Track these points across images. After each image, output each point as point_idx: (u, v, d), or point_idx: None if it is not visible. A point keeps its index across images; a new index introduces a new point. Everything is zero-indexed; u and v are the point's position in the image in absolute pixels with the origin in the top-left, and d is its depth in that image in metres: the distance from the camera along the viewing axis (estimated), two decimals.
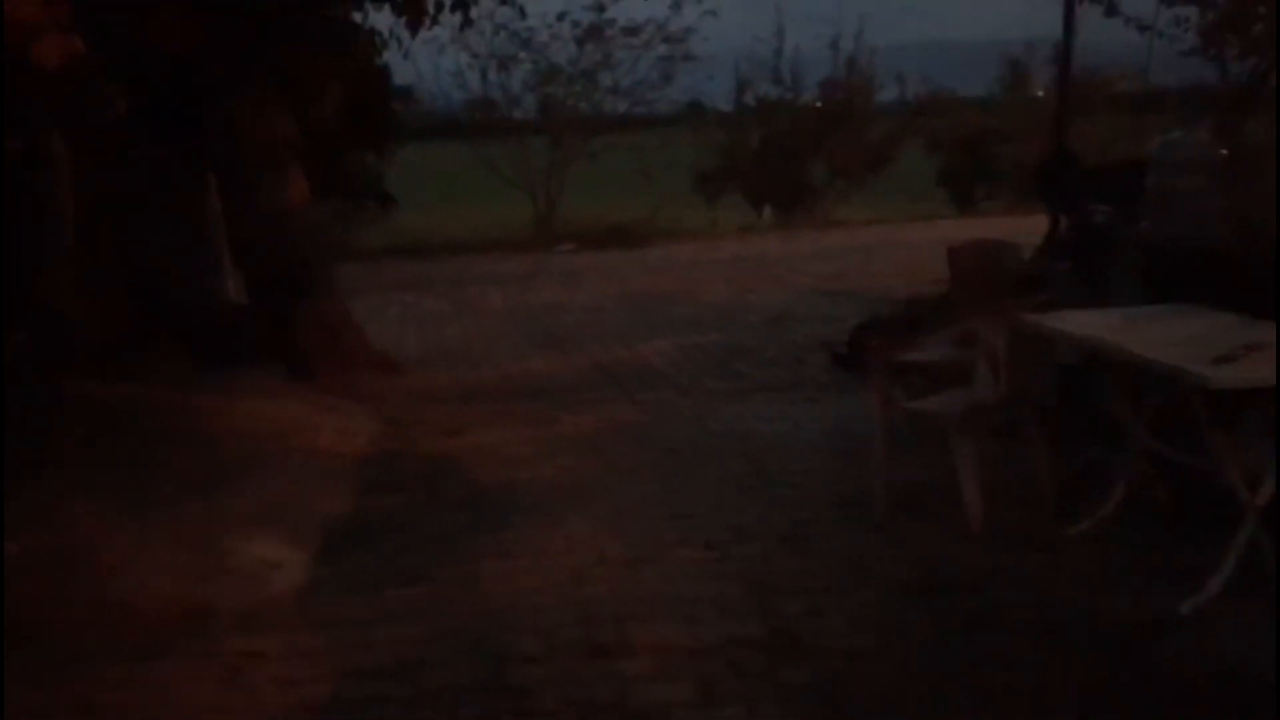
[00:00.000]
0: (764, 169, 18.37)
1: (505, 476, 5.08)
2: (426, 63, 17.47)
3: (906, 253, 12.81)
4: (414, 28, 7.87)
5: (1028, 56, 19.37)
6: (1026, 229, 13.71)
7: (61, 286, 6.55)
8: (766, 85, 18.54)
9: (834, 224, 16.47)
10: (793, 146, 18.24)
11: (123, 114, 6.87)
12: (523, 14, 15.27)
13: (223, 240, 7.66)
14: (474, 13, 8.05)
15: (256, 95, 7.20)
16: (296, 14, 7.64)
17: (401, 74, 18.01)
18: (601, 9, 17.32)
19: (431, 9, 7.80)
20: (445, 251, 14.88)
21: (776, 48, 18.18)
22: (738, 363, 7.47)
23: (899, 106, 19.98)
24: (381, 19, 8.26)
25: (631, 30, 17.73)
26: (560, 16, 17.25)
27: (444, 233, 18.11)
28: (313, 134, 7.98)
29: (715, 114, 18.93)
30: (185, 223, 7.66)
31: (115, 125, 6.85)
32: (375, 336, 8.69)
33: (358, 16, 8.00)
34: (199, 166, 7.56)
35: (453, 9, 7.88)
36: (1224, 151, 5.12)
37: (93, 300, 6.76)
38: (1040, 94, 19.84)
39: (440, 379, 7.45)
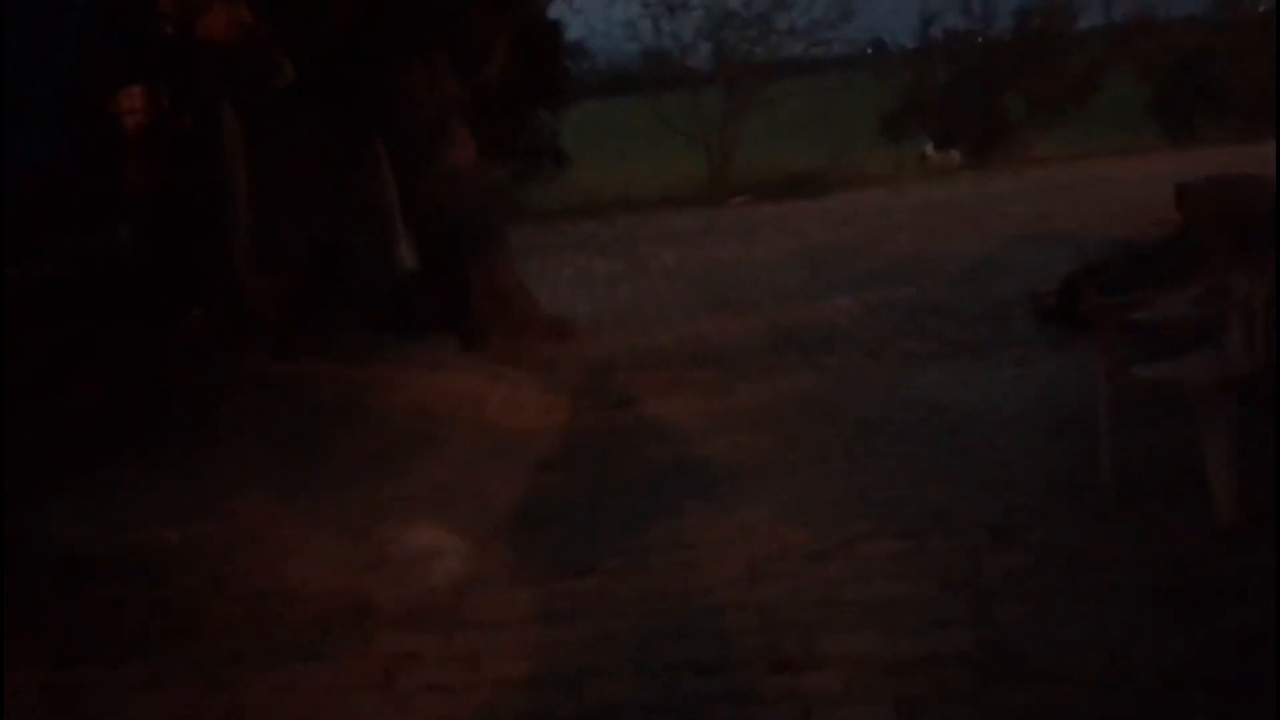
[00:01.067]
0: (954, 107, 17.25)
1: (678, 453, 4.73)
2: (597, 15, 17.26)
3: (1118, 190, 11.67)
4: None
5: None
6: (1258, 159, 12.33)
7: (239, 262, 6.61)
8: (955, 17, 17.40)
9: (1033, 162, 15.25)
10: (985, 82, 17.03)
11: (292, 83, 6.85)
12: None
13: (395, 207, 7.59)
14: None
15: (424, 57, 7.03)
16: None
17: (573, 28, 17.95)
18: None
19: None
20: (618, 209, 14.62)
21: None
22: (933, 320, 6.86)
23: (1102, 32, 18.36)
24: None
25: None
26: None
27: (618, 190, 17.90)
28: (483, 93, 7.80)
29: (900, 51, 17.88)
30: (357, 191, 7.62)
31: (285, 95, 6.85)
32: (547, 300, 8.51)
33: None
34: (368, 133, 7.49)
35: None
36: None
37: (269, 274, 6.82)
38: (1261, 8, 17.84)
39: (611, 344, 7.16)
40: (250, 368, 5.60)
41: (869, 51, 19.23)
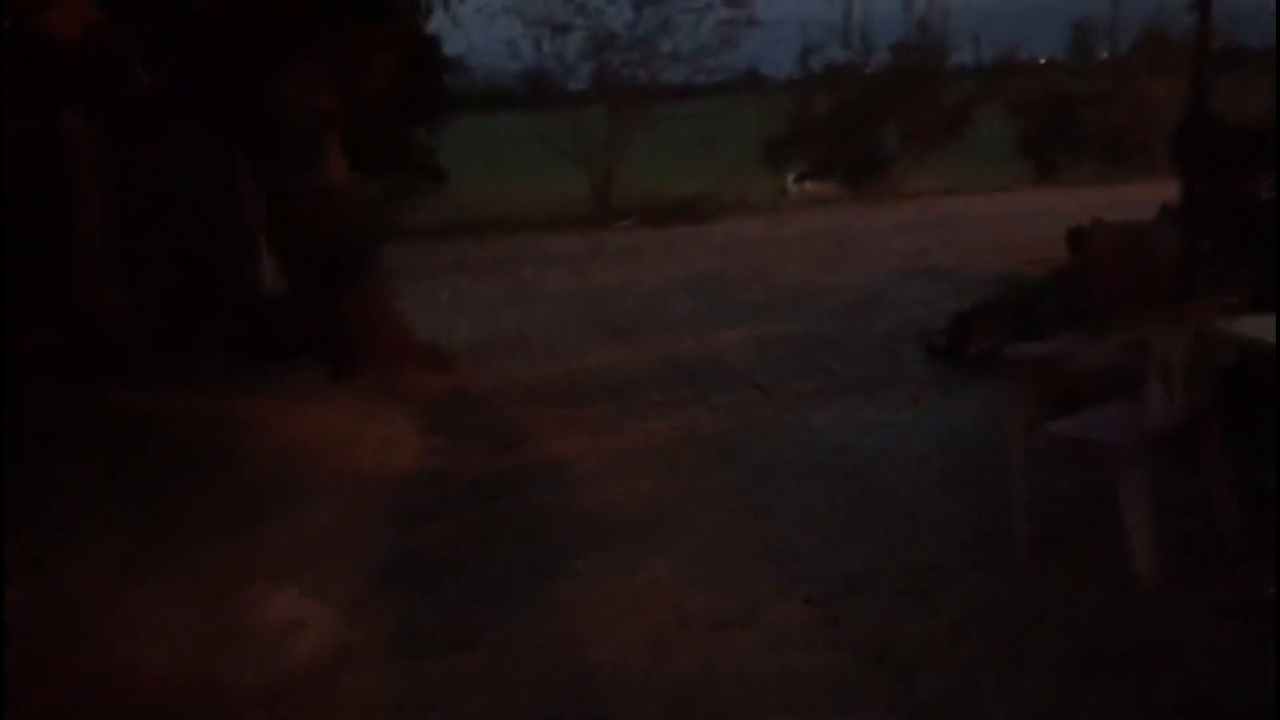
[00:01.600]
0: (833, 138, 17.46)
1: (569, 502, 4.42)
2: (478, 32, 16.87)
3: (992, 226, 11.91)
4: None
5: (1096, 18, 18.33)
6: (1122, 201, 12.74)
7: (89, 279, 6.02)
8: (835, 49, 17.64)
9: (909, 195, 15.53)
10: (864, 113, 17.30)
11: (150, 89, 6.30)
12: None
13: (259, 224, 7.08)
14: None
15: (297, 65, 6.57)
16: None
17: (452, 44, 17.49)
18: None
19: None
20: (499, 230, 14.23)
21: (845, 8, 17.25)
22: (823, 356, 6.72)
23: (973, 70, 18.93)
24: None
25: None
26: None
27: (498, 209, 17.50)
28: (360, 107, 7.36)
29: (780, 81, 18.03)
30: (222, 207, 7.10)
31: (143, 101, 6.29)
32: (425, 325, 8.08)
33: None
34: (233, 144, 6.97)
35: None
36: None
37: (125, 292, 6.24)
38: (1105, 55, 18.71)
39: (494, 375, 6.80)
40: (96, 400, 5.05)
41: (757, 80, 19.31)
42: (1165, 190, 13.69)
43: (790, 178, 17.28)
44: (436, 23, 17.50)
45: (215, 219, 6.94)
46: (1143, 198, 13.87)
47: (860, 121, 17.42)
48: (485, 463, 4.95)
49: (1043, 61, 18.75)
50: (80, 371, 5.18)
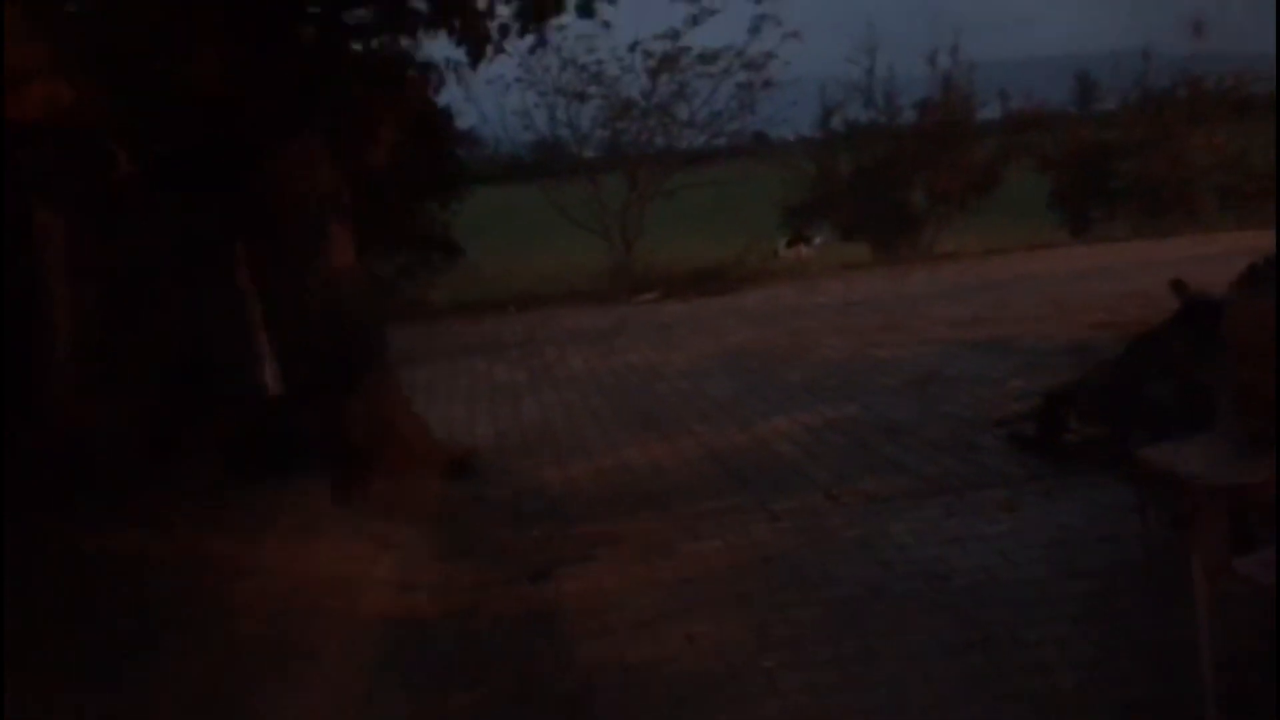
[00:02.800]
0: (859, 199, 16.89)
1: (618, 655, 3.65)
2: (490, 103, 16.41)
3: (1042, 288, 11.20)
4: (475, 57, 6.55)
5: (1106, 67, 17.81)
6: (1173, 256, 12.04)
7: (58, 390, 5.34)
8: (857, 108, 17.14)
9: (943, 257, 14.86)
10: (890, 173, 16.74)
11: (132, 173, 5.69)
12: (594, 40, 14.22)
13: (259, 320, 6.42)
14: (546, 35, 6.63)
15: (298, 142, 5.97)
16: (343, 44, 6.43)
17: (464, 116, 17.06)
18: (676, 36, 16.09)
19: (495, 35, 6.50)
20: (520, 305, 13.60)
21: (868, 67, 16.75)
22: (889, 448, 5.98)
23: (999, 124, 18.38)
24: (439, 48, 6.99)
25: (708, 58, 16.47)
26: (632, 47, 16.06)
27: (516, 284, 16.94)
28: (366, 184, 6.75)
29: (800, 142, 17.49)
30: (217, 301, 6.45)
31: (125, 186, 5.68)
32: (442, 418, 7.41)
33: (408, 44, 6.72)
34: (229, 232, 6.34)
35: (522, 31, 6.56)
36: None
37: (106, 402, 5.56)
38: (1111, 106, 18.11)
39: (519, 477, 6.08)
40: (62, 540, 4.33)
41: (764, 143, 18.74)
42: (1221, 244, 13.01)
43: (782, 243, 16.61)
44: (448, 95, 17.24)
45: (210, 314, 6.28)
46: (1194, 252, 13.19)
47: (887, 181, 16.85)
48: (516, 600, 4.19)
49: (1074, 112, 18.16)
50: (44, 501, 4.47)
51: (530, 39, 6.68)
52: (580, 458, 6.44)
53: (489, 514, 5.44)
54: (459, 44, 6.51)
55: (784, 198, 17.42)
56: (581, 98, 16.58)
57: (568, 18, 7.68)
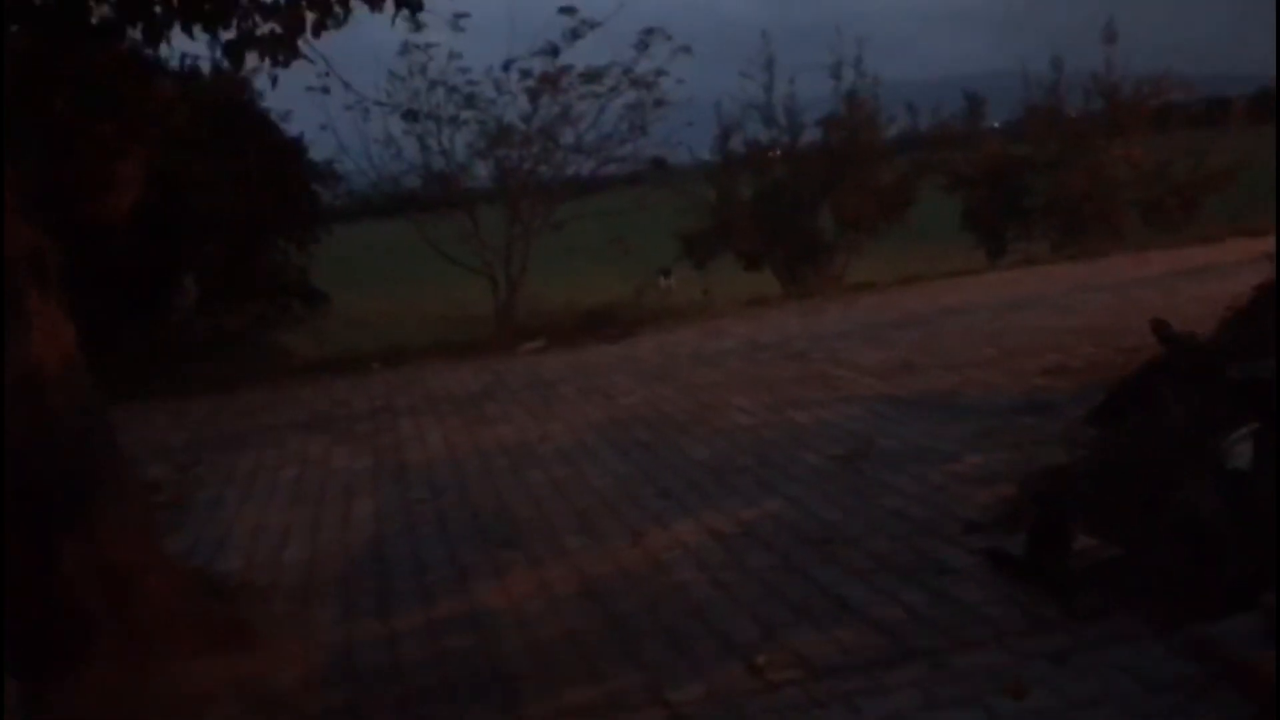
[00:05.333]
0: (762, 225, 15.51)
1: None
2: (350, 132, 14.61)
3: (974, 322, 9.89)
4: (292, 42, 4.79)
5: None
6: (1109, 279, 10.83)
7: None
8: (756, 127, 15.80)
9: (858, 287, 13.51)
10: (794, 197, 15.42)
11: None
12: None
13: None
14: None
15: None
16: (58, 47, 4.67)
17: (320, 147, 15.21)
18: (556, 52, 14.53)
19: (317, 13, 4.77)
20: (384, 361, 11.78)
21: (767, 82, 15.44)
22: (828, 572, 4.41)
23: (907, 142, 17.28)
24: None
25: (592, 76, 14.93)
26: (506, 66, 14.44)
27: (390, 333, 15.14)
28: (102, 240, 4.97)
29: (700, 167, 16.05)
30: None
31: None
32: (243, 536, 5.67)
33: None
34: None
35: (321, 20, 4.83)
36: None
37: None
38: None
39: (318, 644, 4.34)
40: None
41: (661, 169, 17.31)
42: (1155, 264, 11.87)
43: (661, 278, 15.48)
44: (302, 123, 15.29)
45: None
46: (1132, 274, 12.06)
47: (791, 206, 15.53)
48: None
49: (996, 125, 17.14)
50: None
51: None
52: (412, 602, 4.72)
53: (274, 713, 3.69)
54: (229, 50, 4.78)
55: (681, 227, 15.98)
56: (455, 122, 14.88)
57: (435, 34, 6.01)
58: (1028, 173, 16.30)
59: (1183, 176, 15.25)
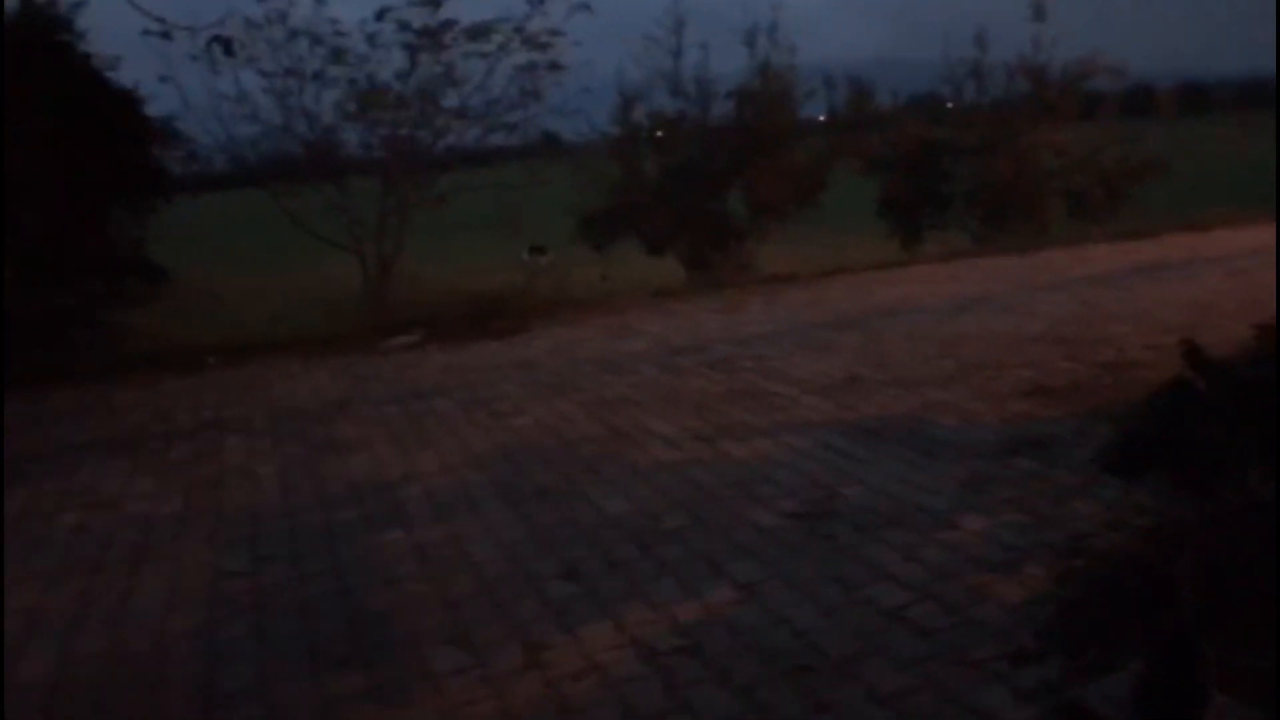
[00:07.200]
0: (669, 207, 14.04)
1: None
2: (196, 86, 12.54)
3: (919, 325, 8.63)
4: None
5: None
6: (1054, 278, 9.74)
7: None
8: (663, 98, 14.29)
9: (779, 279, 12.18)
10: (704, 176, 13.99)
11: None
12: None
13: None
14: None
15: None
16: None
17: (162, 102, 13.09)
18: (437, 4, 12.75)
19: None
20: (222, 358, 9.92)
21: (675, 48, 13.94)
22: (793, 707, 2.98)
23: (825, 125, 16.04)
24: None
25: (479, 32, 13.18)
26: (380, 15, 12.58)
27: (241, 315, 13.25)
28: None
29: (602, 140, 14.45)
30: None
31: None
32: None
33: None
34: None
35: None
36: None
37: None
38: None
39: None
40: None
41: (555, 142, 15.65)
42: (1103, 261, 10.82)
43: (525, 253, 13.98)
44: (134, 73, 13.13)
45: None
46: (1081, 272, 11.01)
47: (701, 187, 14.09)
48: None
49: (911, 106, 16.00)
50: None
51: None
52: None
53: None
54: None
55: (579, 205, 14.39)
56: (319, 79, 12.95)
57: None
58: (947, 157, 15.22)
59: (1111, 166, 14.37)
